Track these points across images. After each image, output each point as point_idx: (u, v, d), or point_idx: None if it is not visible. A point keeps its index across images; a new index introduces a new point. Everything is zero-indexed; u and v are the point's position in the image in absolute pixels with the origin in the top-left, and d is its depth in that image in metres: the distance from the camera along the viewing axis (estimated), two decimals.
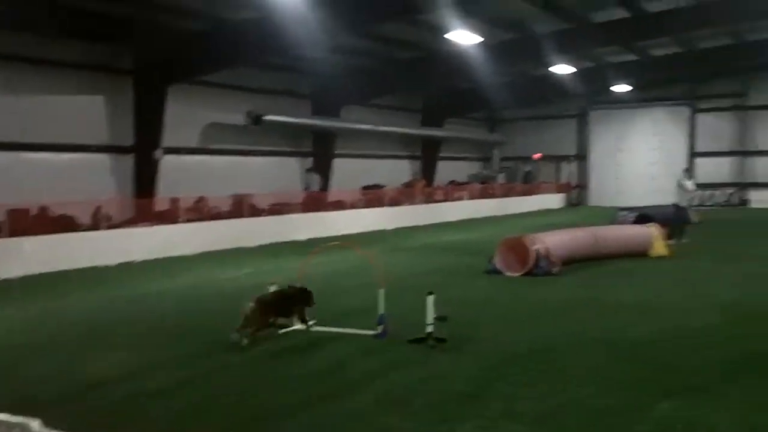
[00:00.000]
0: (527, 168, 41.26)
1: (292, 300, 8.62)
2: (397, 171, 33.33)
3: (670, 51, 30.37)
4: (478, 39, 22.90)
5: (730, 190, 37.01)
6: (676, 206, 19.99)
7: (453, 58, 25.60)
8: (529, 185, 39.12)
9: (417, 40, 24.70)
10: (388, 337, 8.29)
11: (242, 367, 7.35)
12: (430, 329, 7.98)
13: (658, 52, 30.45)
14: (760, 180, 36.77)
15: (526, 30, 24.49)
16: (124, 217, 18.61)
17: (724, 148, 37.50)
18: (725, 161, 37.24)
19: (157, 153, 20.54)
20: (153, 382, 6.90)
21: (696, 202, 18.83)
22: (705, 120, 38.22)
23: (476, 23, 22.10)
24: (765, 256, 15.93)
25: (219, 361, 7.58)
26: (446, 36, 22.55)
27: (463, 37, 22.55)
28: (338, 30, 20.15)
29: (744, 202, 36.53)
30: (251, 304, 8.17)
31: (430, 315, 7.99)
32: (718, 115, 37.89)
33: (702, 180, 36.96)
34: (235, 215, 20.66)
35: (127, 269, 15.75)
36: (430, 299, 8.00)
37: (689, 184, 20.01)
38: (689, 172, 20.65)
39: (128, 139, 20.58)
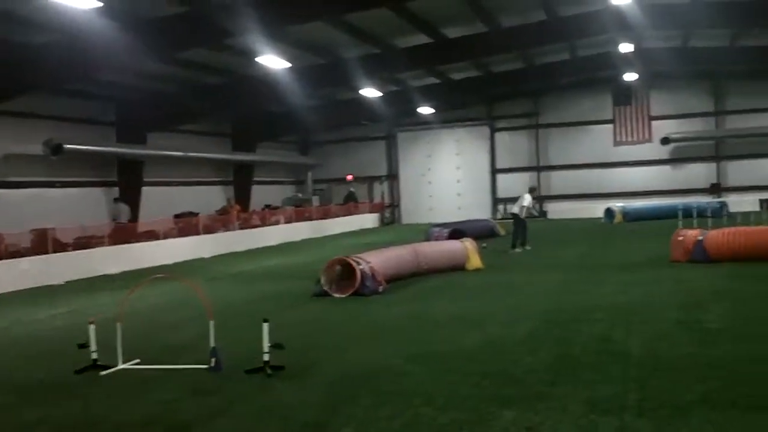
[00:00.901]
0: (351, 188, 41.93)
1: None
2: (210, 197, 32.53)
3: (469, 74, 32.15)
4: (287, 64, 22.99)
5: None
6: (515, 216, 21.16)
7: (263, 82, 25.56)
8: (346, 206, 39.67)
9: (225, 64, 24.37)
10: (224, 370, 7.97)
11: (61, 420, 6.71)
12: (266, 358, 7.78)
13: (458, 75, 32.13)
14: (554, 192, 39.74)
15: (334, 55, 24.89)
16: None
17: (522, 163, 40.26)
18: (524, 176, 39.84)
19: None
20: None
21: (535, 214, 20.47)
22: (503, 138, 40.83)
23: (285, 48, 22.20)
24: (567, 264, 17.14)
25: (38, 412, 6.90)
26: (256, 60, 22.46)
27: (272, 61, 22.55)
28: (143, 55, 19.41)
29: (544, 214, 39.24)
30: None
31: (266, 343, 7.79)
32: (515, 134, 40.67)
33: (504, 194, 39.58)
34: (38, 251, 19.15)
35: None
36: (265, 326, 7.80)
37: (528, 199, 21.18)
38: (534, 191, 22.61)
39: None
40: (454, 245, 17.23)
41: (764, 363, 7.28)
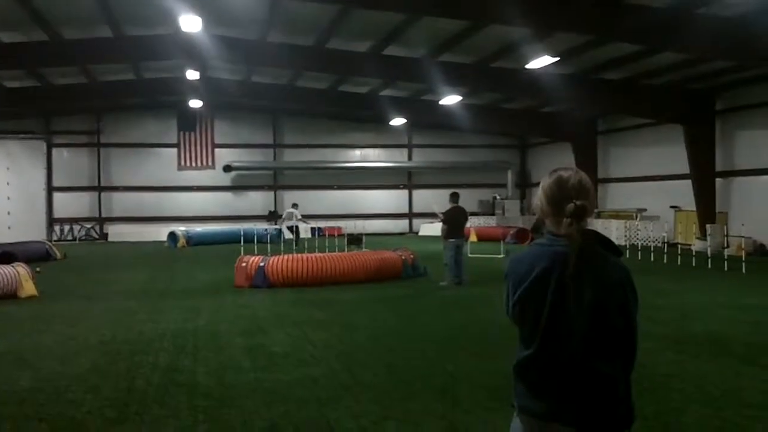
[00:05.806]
0: None
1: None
2: None
3: (24, 84, 29.54)
4: None
5: (89, 225, 37.77)
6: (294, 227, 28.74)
7: None
8: None
9: None
10: None
11: None
12: None
13: (12, 83, 29.30)
14: (116, 215, 38.47)
15: None
16: None
17: (82, 183, 38.21)
18: (84, 196, 37.93)
19: None
20: None
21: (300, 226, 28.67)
22: (61, 155, 38.32)
23: None
24: (131, 291, 16.50)
25: None
26: None
27: None
28: None
29: (104, 236, 37.66)
30: None
31: None
32: (75, 151, 38.48)
33: (61, 215, 37.19)
34: None
35: None
36: None
37: (297, 213, 28.57)
38: (296, 206, 28.64)
39: None
40: (4, 270, 15.49)
41: (319, 386, 7.83)
